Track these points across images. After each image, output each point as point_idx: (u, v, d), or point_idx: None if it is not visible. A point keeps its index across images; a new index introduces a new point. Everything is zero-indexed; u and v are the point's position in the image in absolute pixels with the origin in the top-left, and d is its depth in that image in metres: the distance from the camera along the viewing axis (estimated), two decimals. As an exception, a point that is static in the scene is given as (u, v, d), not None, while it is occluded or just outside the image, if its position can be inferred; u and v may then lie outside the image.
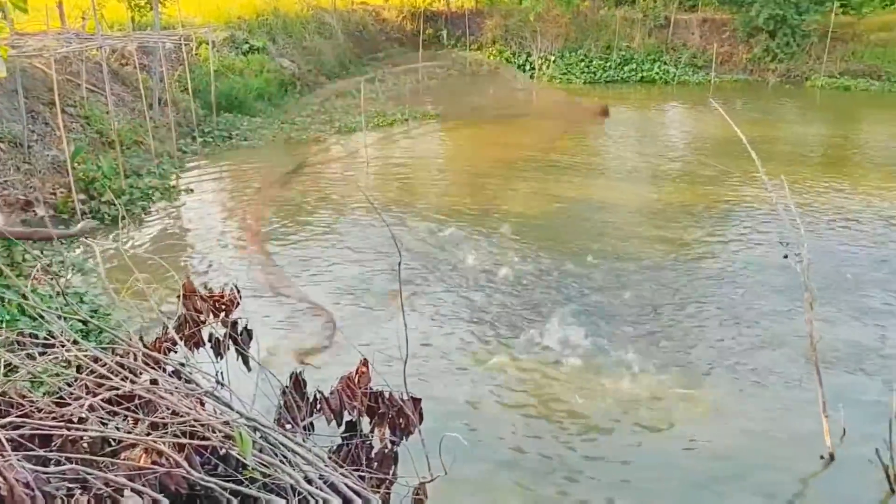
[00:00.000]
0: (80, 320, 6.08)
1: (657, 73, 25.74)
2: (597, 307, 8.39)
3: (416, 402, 3.99)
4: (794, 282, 7.50)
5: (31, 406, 3.18)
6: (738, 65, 25.95)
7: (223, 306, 4.23)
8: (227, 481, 3.05)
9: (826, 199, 12.35)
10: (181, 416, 3.16)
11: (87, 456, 2.98)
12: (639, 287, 8.90)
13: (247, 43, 20.58)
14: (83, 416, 3.14)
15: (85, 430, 3.08)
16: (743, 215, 11.58)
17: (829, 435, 5.79)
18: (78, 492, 2.77)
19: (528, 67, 26.05)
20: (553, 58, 26.44)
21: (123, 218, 10.88)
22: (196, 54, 18.56)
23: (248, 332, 4.19)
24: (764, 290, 8.87)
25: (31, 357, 3.45)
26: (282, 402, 3.79)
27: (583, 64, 26.41)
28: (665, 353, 7.43)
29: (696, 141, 17.50)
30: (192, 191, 12.92)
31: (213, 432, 3.19)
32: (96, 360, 3.45)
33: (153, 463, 2.99)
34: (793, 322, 7.88)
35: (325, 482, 3.21)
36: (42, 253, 9.28)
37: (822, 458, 5.77)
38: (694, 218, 11.48)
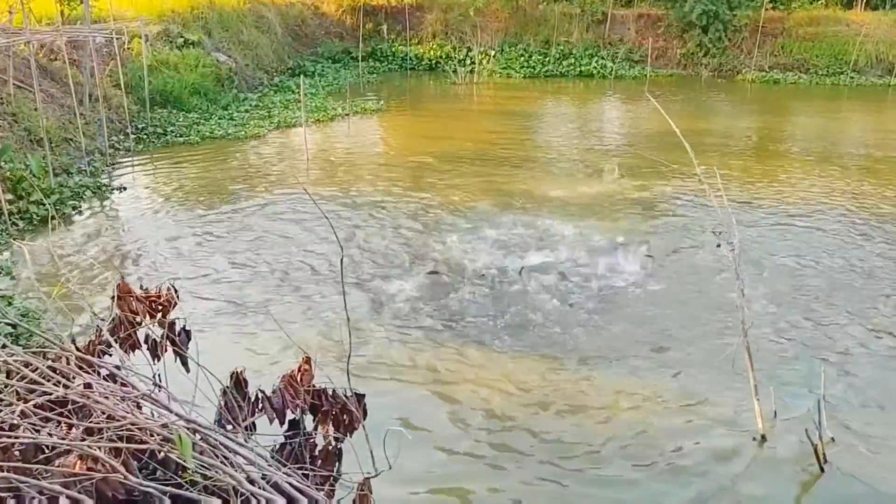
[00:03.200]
0: (8, 324, 5.90)
1: (595, 68, 26.16)
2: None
3: (360, 397, 4.00)
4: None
5: (-42, 415, 3.08)
6: (672, 59, 26.58)
7: (160, 307, 4.16)
8: (167, 485, 3.01)
9: (756, 189, 12.79)
10: (117, 421, 3.10)
11: (20, 464, 2.90)
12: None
13: (181, 37, 20.09)
14: (14, 422, 3.05)
15: (16, 437, 2.99)
16: (679, 206, 11.89)
17: (761, 416, 6.01)
18: (11, 501, 2.69)
19: (468, 62, 26.15)
20: (493, 52, 26.61)
21: (53, 218, 10.53)
22: (128, 49, 18.04)
23: (187, 333, 4.13)
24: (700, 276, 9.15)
25: (-44, 364, 3.34)
26: (222, 403, 3.74)
27: (522, 59, 26.66)
28: (597, 337, 7.60)
29: (633, 134, 17.88)
30: (124, 189, 12.58)
31: (151, 436, 3.14)
32: (27, 364, 3.36)
33: (89, 469, 2.92)
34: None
35: (267, 482, 3.19)
36: (-33, 256, 8.93)
37: (753, 439, 5.99)
38: (632, 208, 11.74)
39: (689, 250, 10.04)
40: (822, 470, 5.61)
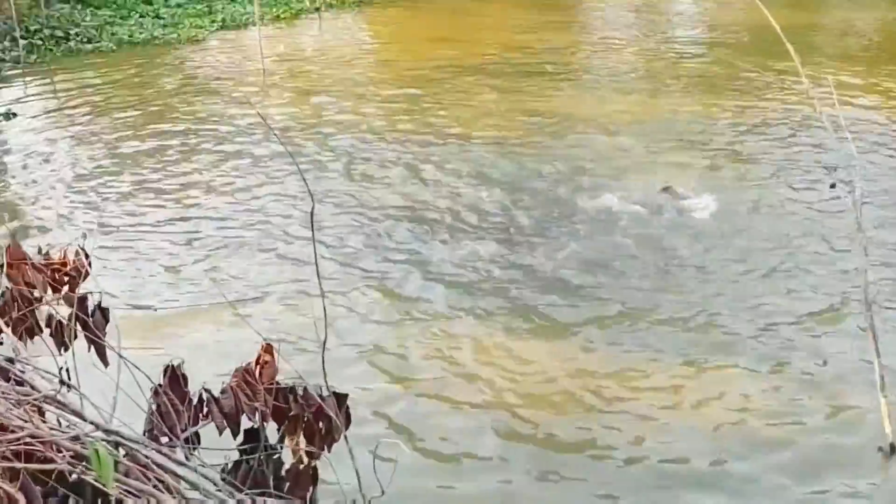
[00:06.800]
0: None
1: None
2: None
3: (341, 398, 4.02)
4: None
5: None
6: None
7: (67, 277, 4.17)
8: (82, 517, 3.05)
9: (885, 110, 12.64)
10: (11, 432, 3.12)
11: None
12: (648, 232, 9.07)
13: None
14: None
15: None
16: (778, 132, 11.78)
17: (889, 420, 6.00)
18: None
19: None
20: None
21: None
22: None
23: (104, 312, 4.14)
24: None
25: None
26: (154, 407, 3.77)
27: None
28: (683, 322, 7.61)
29: (715, 32, 17.65)
30: (14, 115, 12.56)
31: (59, 452, 3.16)
32: None
33: (-25, 497, 2.96)
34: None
35: (217, 512, 3.23)
36: None
37: (880, 450, 5.99)
38: (714, 138, 11.64)
39: (792, 192, 9.97)
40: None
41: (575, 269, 8.40)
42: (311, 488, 3.91)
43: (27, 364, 3.76)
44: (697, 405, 6.55)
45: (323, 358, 3.99)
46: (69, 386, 3.69)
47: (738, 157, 11.02)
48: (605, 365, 7.01)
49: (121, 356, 3.72)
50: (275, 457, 3.92)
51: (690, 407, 6.54)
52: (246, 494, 3.52)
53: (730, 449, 6.11)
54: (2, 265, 4.04)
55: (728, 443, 6.17)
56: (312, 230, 3.99)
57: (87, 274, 4.18)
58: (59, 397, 3.48)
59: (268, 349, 4.04)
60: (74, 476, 3.21)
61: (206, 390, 3.91)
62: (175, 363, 3.96)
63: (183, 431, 3.76)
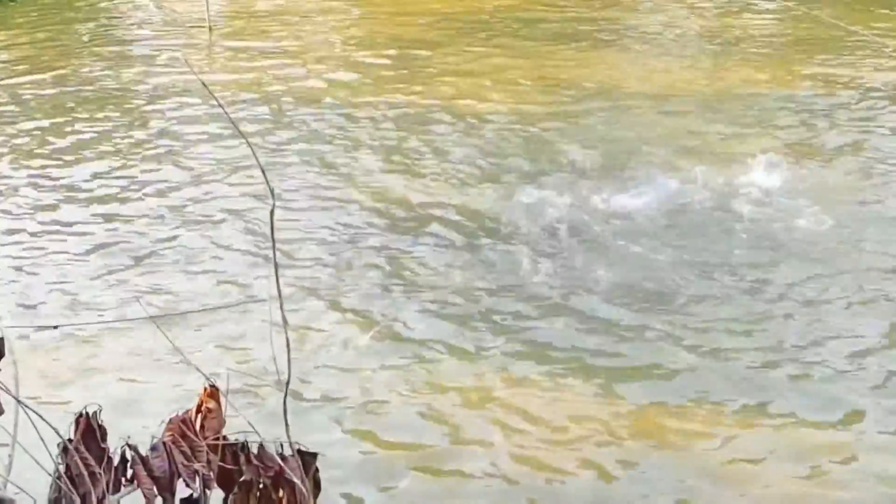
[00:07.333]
0: None
1: None
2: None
3: (308, 458, 4.02)
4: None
5: None
6: None
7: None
8: None
9: None
10: None
11: None
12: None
13: None
14: None
15: None
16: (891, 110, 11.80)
17: None
18: None
19: None
20: None
21: None
22: None
23: (-3, 344, 4.14)
24: None
25: None
26: (62, 469, 3.77)
27: None
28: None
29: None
30: None
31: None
32: None
33: None
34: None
35: None
36: None
37: None
38: (804, 118, 11.64)
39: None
40: None
41: (619, 295, 8.37)
42: (268, 578, 3.91)
43: None
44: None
45: (285, 405, 3.99)
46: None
47: (838, 143, 11.02)
48: (667, 431, 6.95)
49: (18, 401, 3.71)
50: (221, 535, 3.92)
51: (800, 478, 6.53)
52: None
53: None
54: None
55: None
56: (273, 237, 3.97)
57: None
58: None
59: (212, 394, 4.03)
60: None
61: (131, 447, 3.90)
62: (90, 410, 3.95)
63: (100, 501, 3.76)
